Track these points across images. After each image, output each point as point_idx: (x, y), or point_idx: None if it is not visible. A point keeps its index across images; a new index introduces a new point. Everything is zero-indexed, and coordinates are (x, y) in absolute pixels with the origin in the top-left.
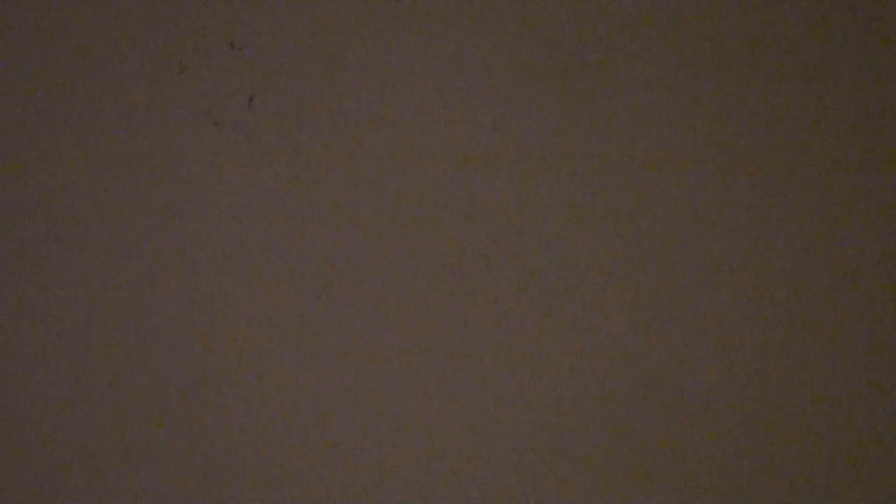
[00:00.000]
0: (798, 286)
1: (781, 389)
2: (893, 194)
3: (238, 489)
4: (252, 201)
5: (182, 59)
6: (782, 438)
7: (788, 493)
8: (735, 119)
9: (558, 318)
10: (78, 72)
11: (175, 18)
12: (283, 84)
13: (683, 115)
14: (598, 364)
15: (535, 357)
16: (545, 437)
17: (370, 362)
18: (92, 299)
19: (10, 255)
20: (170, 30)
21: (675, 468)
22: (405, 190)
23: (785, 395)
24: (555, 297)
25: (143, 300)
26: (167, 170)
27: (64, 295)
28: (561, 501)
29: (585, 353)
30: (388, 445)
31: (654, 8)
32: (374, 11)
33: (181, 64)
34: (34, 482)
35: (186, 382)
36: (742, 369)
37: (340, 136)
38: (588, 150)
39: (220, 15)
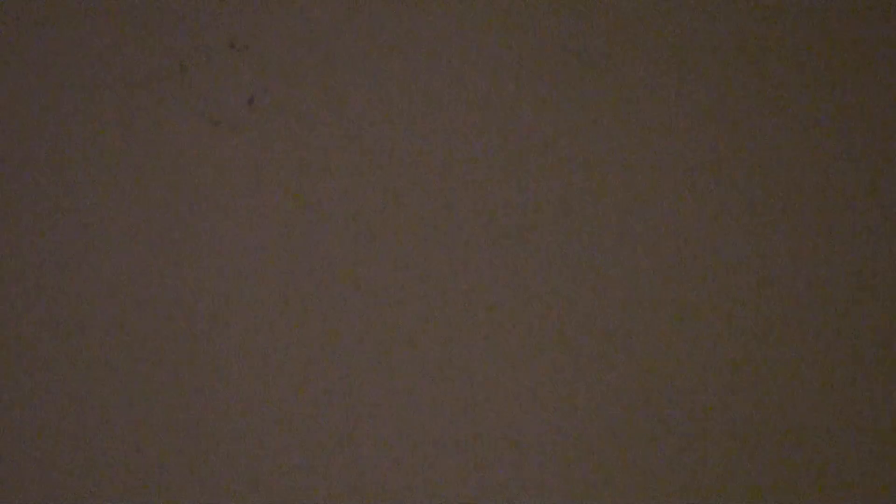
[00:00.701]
0: (798, 286)
1: (781, 389)
2: (894, 194)
3: (238, 489)
4: (252, 201)
5: (182, 60)
6: (782, 438)
7: (788, 493)
8: (738, 118)
9: (558, 319)
10: (78, 72)
11: (175, 18)
12: (283, 84)
13: (684, 114)
14: (597, 364)
15: (535, 357)
16: (545, 437)
17: (370, 362)
18: (91, 299)
19: (10, 255)
20: (170, 30)
21: (675, 468)
22: (405, 190)
23: (785, 395)
24: (555, 298)
25: (143, 300)
26: (167, 170)
27: (63, 295)
28: (561, 501)
29: (585, 353)
30: (388, 445)
31: (656, 6)
32: (375, 11)
33: (181, 64)
34: (34, 482)
35: (186, 382)
36: (742, 369)
37: (340, 136)
38: (589, 149)
39: (220, 15)
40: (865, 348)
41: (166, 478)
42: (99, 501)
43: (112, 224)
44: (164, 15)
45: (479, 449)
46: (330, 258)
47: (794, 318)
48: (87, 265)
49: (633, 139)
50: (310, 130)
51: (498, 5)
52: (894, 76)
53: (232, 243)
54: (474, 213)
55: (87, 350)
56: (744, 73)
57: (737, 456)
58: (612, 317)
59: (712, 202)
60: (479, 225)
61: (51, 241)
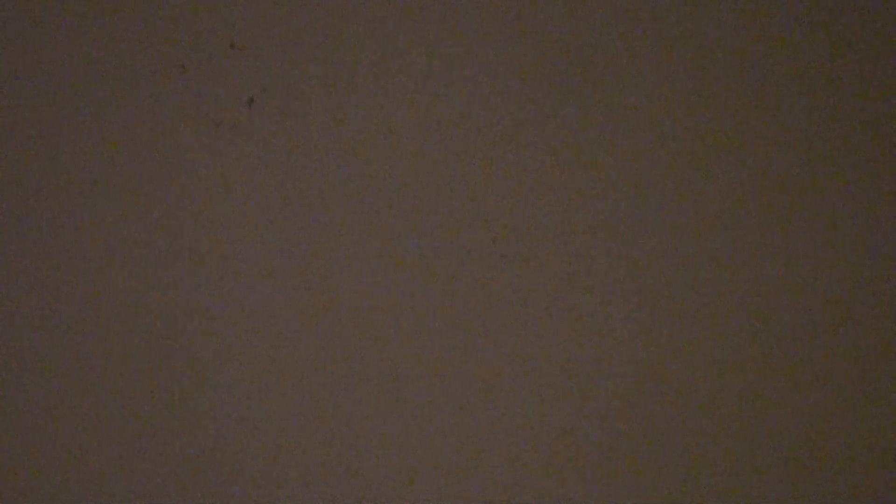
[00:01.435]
0: (799, 286)
1: (782, 389)
2: (894, 194)
3: (238, 489)
4: (252, 201)
5: (182, 60)
6: (782, 438)
7: (788, 492)
8: (735, 120)
9: (558, 319)
10: (78, 72)
11: (175, 18)
12: (283, 84)
13: (683, 117)
14: (598, 364)
15: (535, 357)
16: (545, 437)
17: (370, 361)
18: (91, 298)
19: (10, 255)
20: (170, 30)
21: (675, 468)
22: (405, 190)
23: (785, 395)
24: (555, 298)
25: (143, 299)
26: (167, 170)
27: (63, 294)
28: (561, 501)
29: (585, 353)
30: (388, 445)
31: (655, 10)
32: (374, 12)
33: (181, 64)
34: (34, 482)
35: (187, 381)
36: (742, 369)
37: (340, 136)
38: (588, 151)
39: (221, 15)
40: (866, 348)
41: (166, 478)
42: (99, 501)
43: (112, 224)
44: (164, 15)
45: (479, 449)
46: (330, 257)
47: (795, 318)
48: (87, 265)
49: (631, 140)
50: (310, 130)
51: (498, 6)
52: (894, 76)
53: (232, 242)
54: (474, 213)
55: (86, 350)
56: (743, 74)
57: (737, 456)
58: (612, 317)
59: (712, 202)
60: (479, 225)
61: (51, 241)
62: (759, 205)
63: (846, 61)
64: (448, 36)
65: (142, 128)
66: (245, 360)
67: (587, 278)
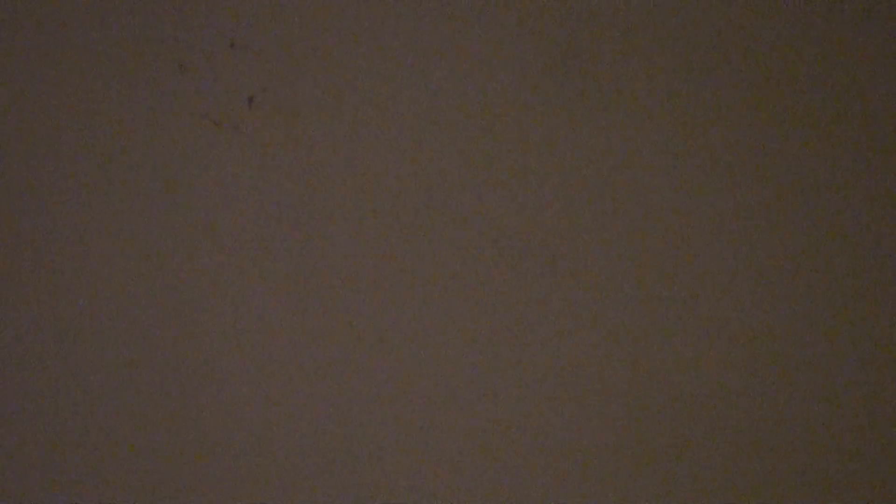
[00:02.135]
0: (799, 285)
1: (782, 389)
2: (894, 194)
3: (237, 489)
4: (252, 201)
5: (182, 59)
6: (783, 438)
7: (789, 492)
8: (734, 119)
9: (558, 318)
10: (78, 71)
11: (175, 18)
12: (283, 84)
13: (682, 115)
14: (598, 363)
15: (536, 358)
16: (546, 437)
17: (371, 361)
18: (91, 298)
19: (10, 255)
20: (170, 29)
21: (675, 468)
22: (405, 189)
23: (786, 395)
24: (555, 297)
25: (143, 299)
26: (167, 169)
27: (63, 294)
28: (562, 501)
29: (586, 353)
30: (388, 445)
31: (652, 7)
32: (374, 11)
33: (181, 64)
34: (34, 482)
35: (186, 381)
36: (743, 369)
37: (340, 135)
38: (585, 150)
39: (220, 15)
40: (866, 348)
41: (167, 478)
42: (99, 502)
43: (112, 222)
44: (164, 15)
45: (479, 449)
46: (330, 257)
47: (796, 317)
48: (86, 264)
49: (633, 140)
50: (310, 130)
51: (497, 7)
52: (894, 76)
53: (232, 242)
54: (473, 213)
55: (85, 350)
56: (743, 73)
57: (736, 456)
58: (614, 318)
59: (712, 201)
60: (479, 225)
61: (51, 241)
62: (760, 206)
63: (848, 61)
64: (448, 35)
65: (142, 126)
66: (245, 360)
67: (588, 278)
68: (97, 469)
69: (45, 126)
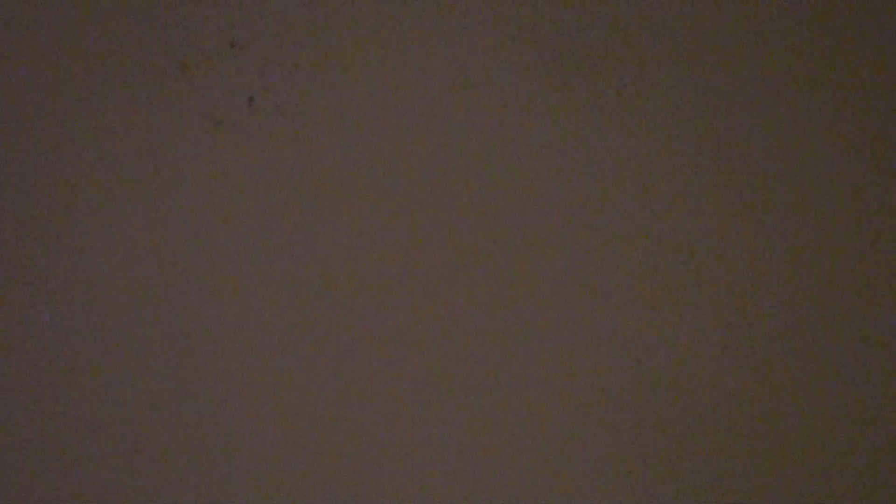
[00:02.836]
0: (800, 285)
1: (783, 389)
2: (894, 194)
3: (237, 489)
4: (252, 200)
5: (182, 59)
6: (784, 438)
7: (789, 492)
8: (736, 116)
9: (559, 318)
10: (78, 71)
11: (175, 18)
12: (283, 84)
13: (684, 115)
14: (599, 363)
15: (536, 357)
16: (546, 437)
17: (371, 361)
18: (91, 298)
19: (9, 254)
20: (170, 29)
21: (676, 468)
22: (405, 189)
23: (787, 396)
24: (556, 296)
25: (143, 299)
26: (167, 169)
27: (63, 294)
28: (562, 501)
29: (587, 353)
30: (388, 445)
31: (654, 7)
32: (374, 11)
33: (181, 63)
34: (34, 482)
35: (186, 381)
36: (744, 369)
37: (340, 135)
38: (587, 147)
39: (221, 14)
40: (866, 347)
41: (166, 478)
42: (98, 501)
43: (112, 222)
44: (164, 14)
45: (480, 448)
46: (330, 256)
47: (796, 317)
48: (86, 264)
49: (634, 139)
50: (310, 129)
51: (498, 7)
52: (894, 76)
53: (232, 241)
54: (473, 213)
55: (85, 349)
56: (744, 71)
57: (738, 455)
58: (613, 315)
59: (714, 199)
60: (478, 224)
61: (51, 241)
62: (761, 204)
63: (848, 61)
64: (448, 35)
65: (142, 126)
66: (245, 360)
67: (588, 277)
68: (97, 469)
69: (45, 125)
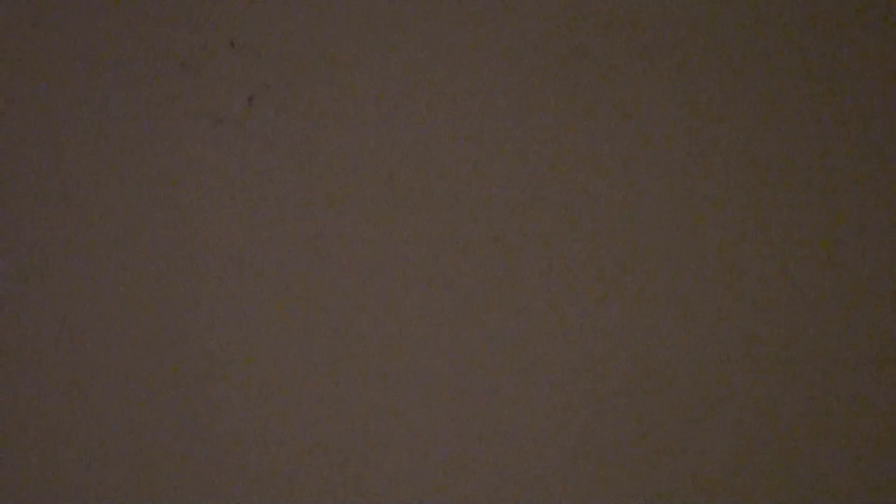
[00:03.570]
0: (800, 285)
1: (784, 389)
2: (894, 195)
3: (237, 489)
4: (252, 200)
5: (182, 58)
6: (785, 438)
7: (789, 492)
8: (737, 111)
9: (559, 317)
10: (78, 70)
11: (176, 17)
12: (284, 82)
13: (685, 114)
14: (600, 363)
15: (536, 357)
16: (546, 436)
17: (371, 361)
18: (91, 298)
19: (9, 255)
20: (170, 28)
21: (677, 468)
22: (406, 188)
23: (786, 395)
24: (556, 295)
25: (143, 299)
26: (167, 168)
27: (63, 294)
28: (562, 501)
29: (587, 353)
30: (388, 445)
31: (658, 5)
32: (375, 10)
33: (181, 62)
34: (34, 482)
35: (184, 382)
36: (744, 368)
37: (341, 135)
38: (591, 149)
39: (221, 14)
40: (867, 347)
41: (166, 479)
42: (98, 501)
43: (112, 221)
44: (165, 14)
45: (480, 448)
46: (331, 256)
47: (797, 316)
48: (87, 264)
49: (634, 137)
50: (310, 129)
51: (500, 6)
52: (894, 76)
53: (232, 240)
54: (475, 212)
55: (84, 350)
56: (745, 66)
57: (739, 455)
58: (614, 315)
59: (715, 197)
60: (480, 223)
61: (50, 241)
62: (761, 202)
63: (848, 60)
64: (450, 34)
65: (142, 125)
66: (245, 360)
67: (589, 277)
68: (97, 469)
69: (45, 124)
